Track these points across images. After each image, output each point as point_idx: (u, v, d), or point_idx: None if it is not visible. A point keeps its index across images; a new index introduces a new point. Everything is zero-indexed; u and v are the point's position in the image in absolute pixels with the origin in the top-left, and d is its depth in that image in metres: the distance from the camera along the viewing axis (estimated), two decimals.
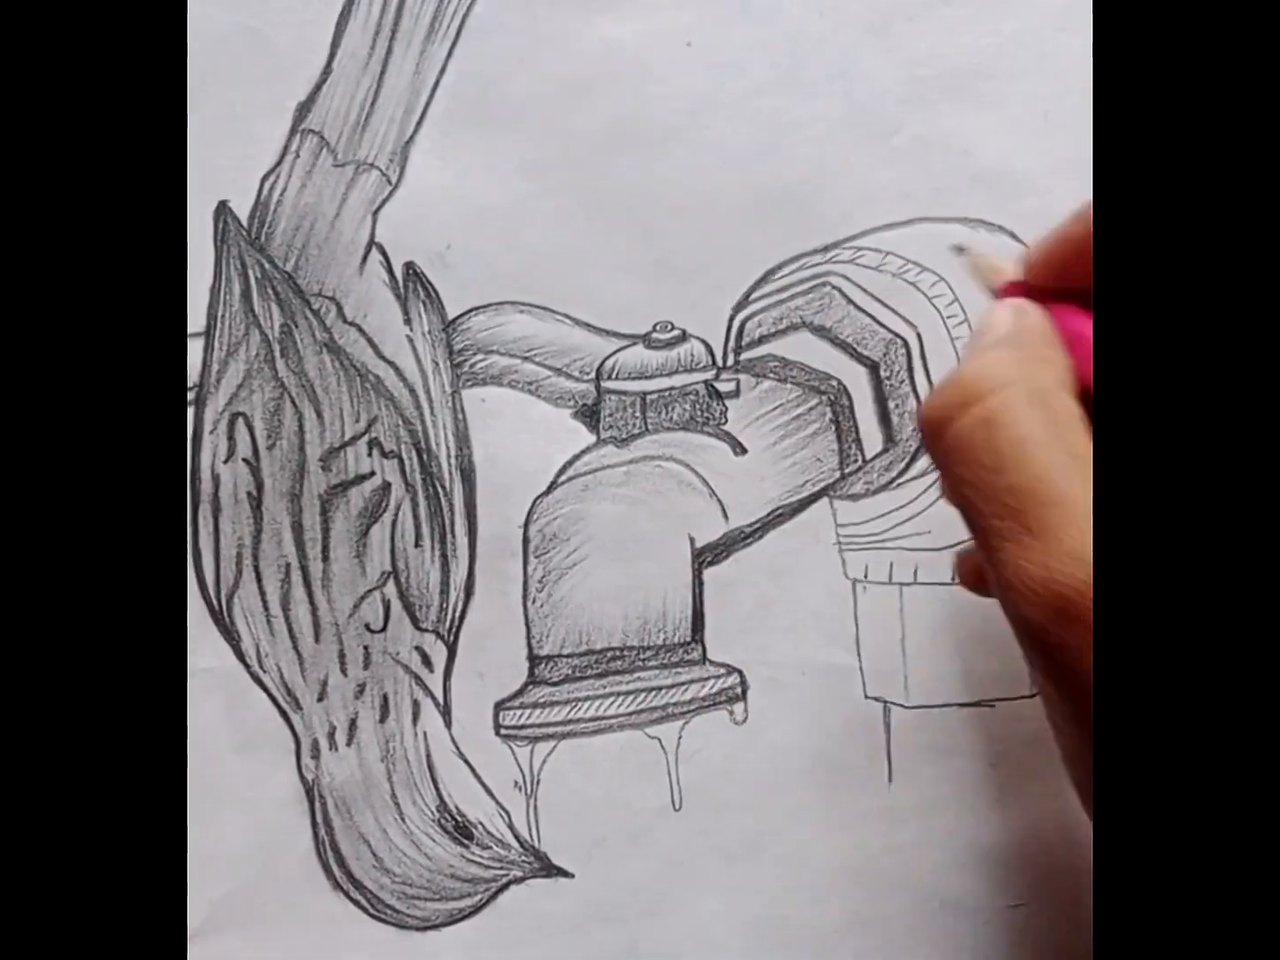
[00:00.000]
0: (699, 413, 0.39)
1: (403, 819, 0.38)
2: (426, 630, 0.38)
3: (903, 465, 0.38)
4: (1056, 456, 0.28)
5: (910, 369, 0.38)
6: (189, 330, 0.38)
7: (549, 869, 0.38)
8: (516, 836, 0.38)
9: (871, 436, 0.38)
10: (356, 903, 0.38)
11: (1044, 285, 0.30)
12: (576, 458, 0.38)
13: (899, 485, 0.38)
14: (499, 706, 0.38)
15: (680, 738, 0.38)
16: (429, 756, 0.38)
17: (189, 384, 0.38)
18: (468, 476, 0.38)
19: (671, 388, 0.38)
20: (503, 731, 0.38)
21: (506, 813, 0.38)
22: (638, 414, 0.39)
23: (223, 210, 0.39)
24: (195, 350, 0.39)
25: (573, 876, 0.38)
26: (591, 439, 0.39)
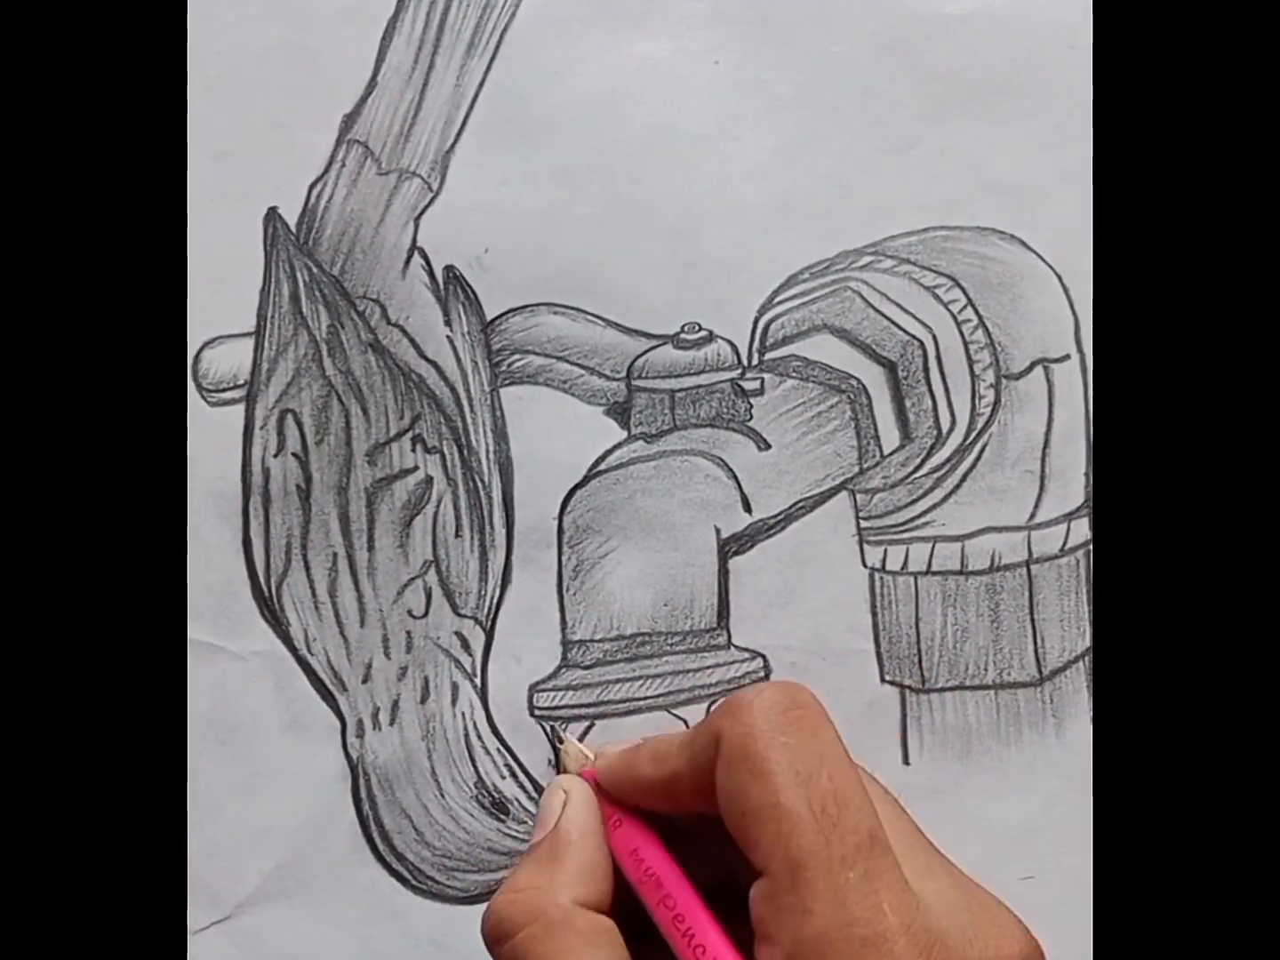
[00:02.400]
0: (725, 410, 0.40)
1: (442, 795, 0.40)
2: (465, 616, 0.40)
3: (918, 460, 0.40)
4: None
5: (926, 369, 0.40)
6: (239, 330, 0.40)
7: None
8: None
9: (889, 433, 0.40)
10: (398, 875, 0.40)
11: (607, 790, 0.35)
12: (608, 453, 0.40)
13: (914, 479, 0.40)
14: (534, 689, 0.40)
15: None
16: (467, 736, 0.40)
17: (239, 381, 0.40)
18: (505, 470, 0.40)
19: (699, 386, 0.40)
20: (537, 712, 0.40)
21: (541, 790, 0.40)
22: (667, 411, 0.40)
23: (272, 216, 0.40)
24: (245, 349, 0.40)
25: None
26: (622, 435, 0.40)
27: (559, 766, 0.38)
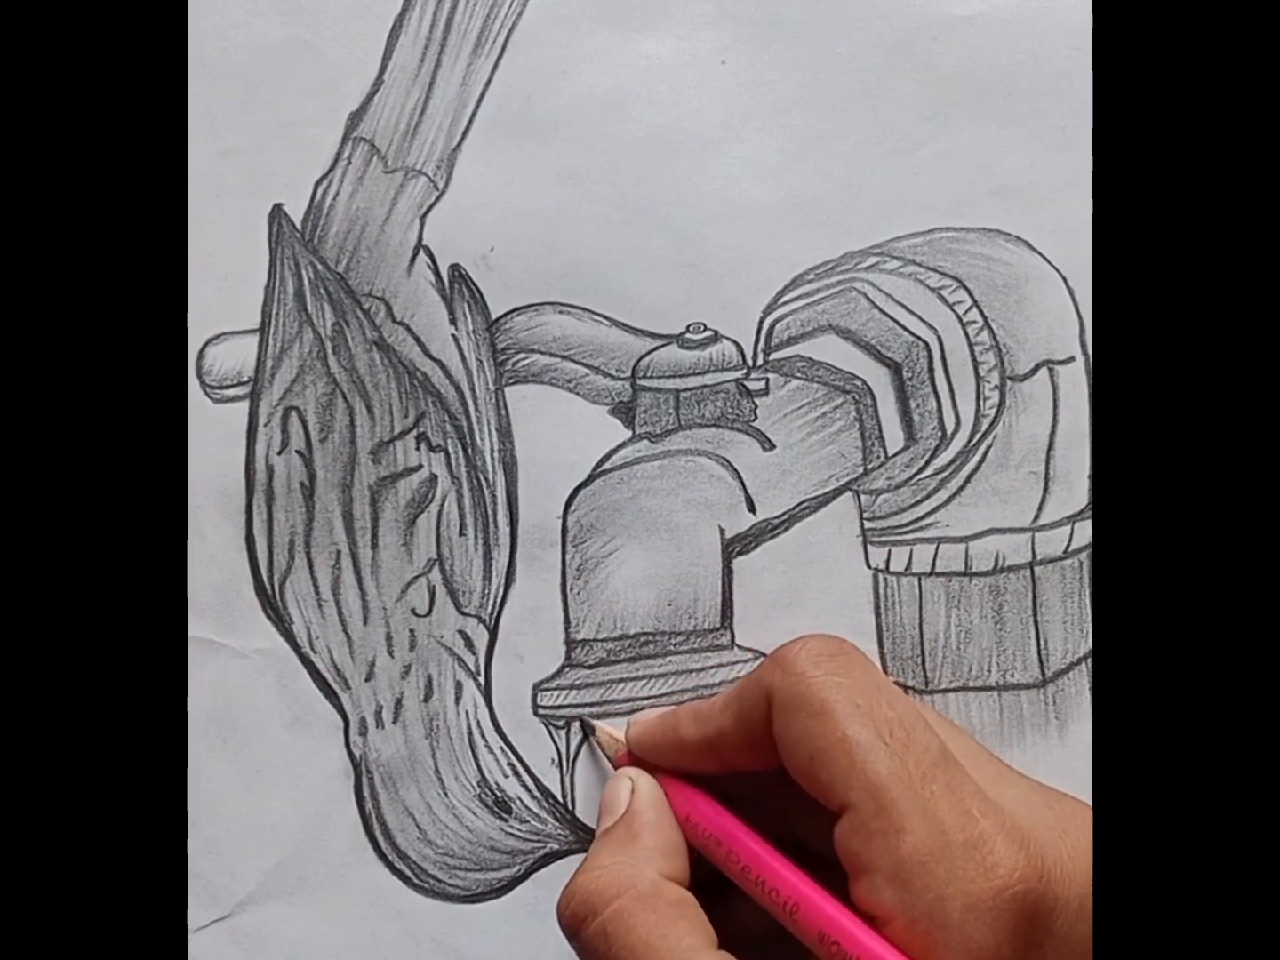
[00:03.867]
0: (730, 410, 0.40)
1: (445, 794, 0.40)
2: (469, 615, 0.40)
3: (923, 462, 0.40)
4: (669, 955, 0.31)
5: (931, 370, 0.40)
6: (244, 327, 0.40)
7: (584, 843, 0.40)
8: (553, 811, 0.40)
9: (893, 434, 0.40)
10: (401, 873, 0.40)
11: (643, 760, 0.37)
12: (613, 452, 0.40)
13: (919, 480, 0.40)
14: (537, 688, 0.40)
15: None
16: (470, 734, 0.40)
17: (244, 378, 0.40)
18: (510, 469, 0.40)
19: (704, 386, 0.40)
20: (540, 711, 0.40)
21: (544, 789, 0.40)
22: (671, 410, 0.40)
23: (277, 213, 0.40)
24: (250, 346, 0.40)
25: None
26: (627, 434, 0.40)
27: (600, 752, 0.39)
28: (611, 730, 0.38)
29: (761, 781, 0.35)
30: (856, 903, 0.31)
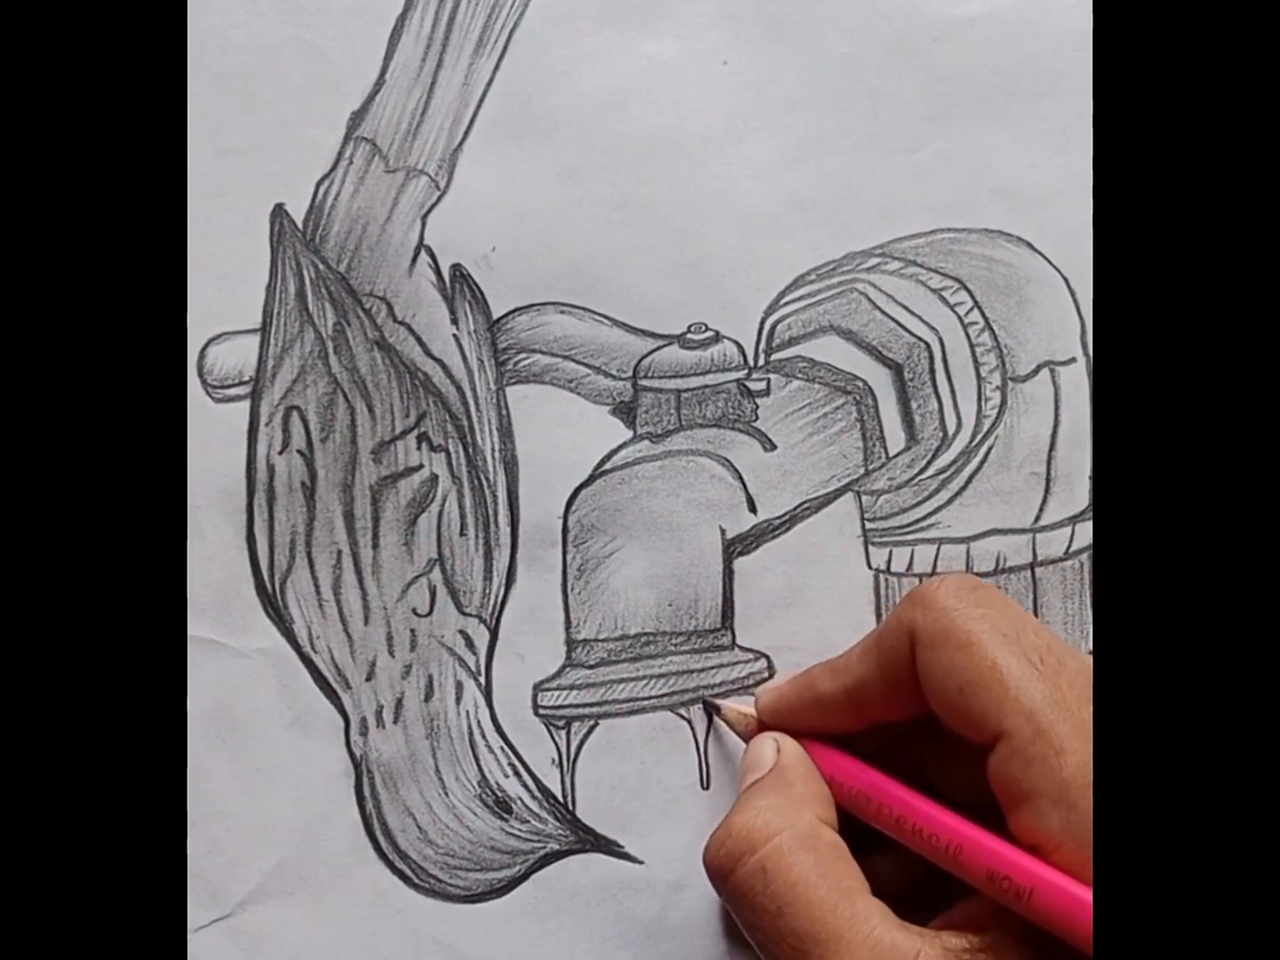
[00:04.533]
0: (731, 410, 0.40)
1: (446, 794, 0.40)
2: (470, 615, 0.40)
3: (924, 463, 0.40)
4: (829, 895, 0.31)
5: (932, 371, 0.40)
6: (245, 327, 0.40)
7: (584, 843, 0.40)
8: (553, 811, 0.40)
9: (894, 435, 0.40)
10: (401, 873, 0.40)
11: (775, 726, 0.37)
12: (614, 452, 0.40)
13: (920, 481, 0.40)
14: (538, 688, 0.40)
15: (710, 719, 0.40)
16: (471, 734, 0.40)
17: (245, 378, 0.40)
18: (511, 469, 0.40)
19: (705, 386, 0.40)
20: (541, 711, 0.40)
21: (544, 789, 0.40)
22: (672, 411, 0.40)
23: (279, 213, 0.40)
24: (251, 346, 0.40)
25: (606, 850, 0.40)
26: (628, 434, 0.40)
27: (731, 728, 0.39)
28: (739, 706, 0.38)
29: (892, 738, 0.35)
30: (1017, 834, 0.31)
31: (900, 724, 0.35)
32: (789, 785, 0.35)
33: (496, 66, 0.40)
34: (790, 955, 0.31)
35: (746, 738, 0.38)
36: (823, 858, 0.32)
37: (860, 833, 0.35)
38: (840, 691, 0.35)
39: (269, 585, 0.40)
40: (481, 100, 0.40)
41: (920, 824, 0.33)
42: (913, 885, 0.34)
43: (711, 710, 0.39)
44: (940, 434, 0.40)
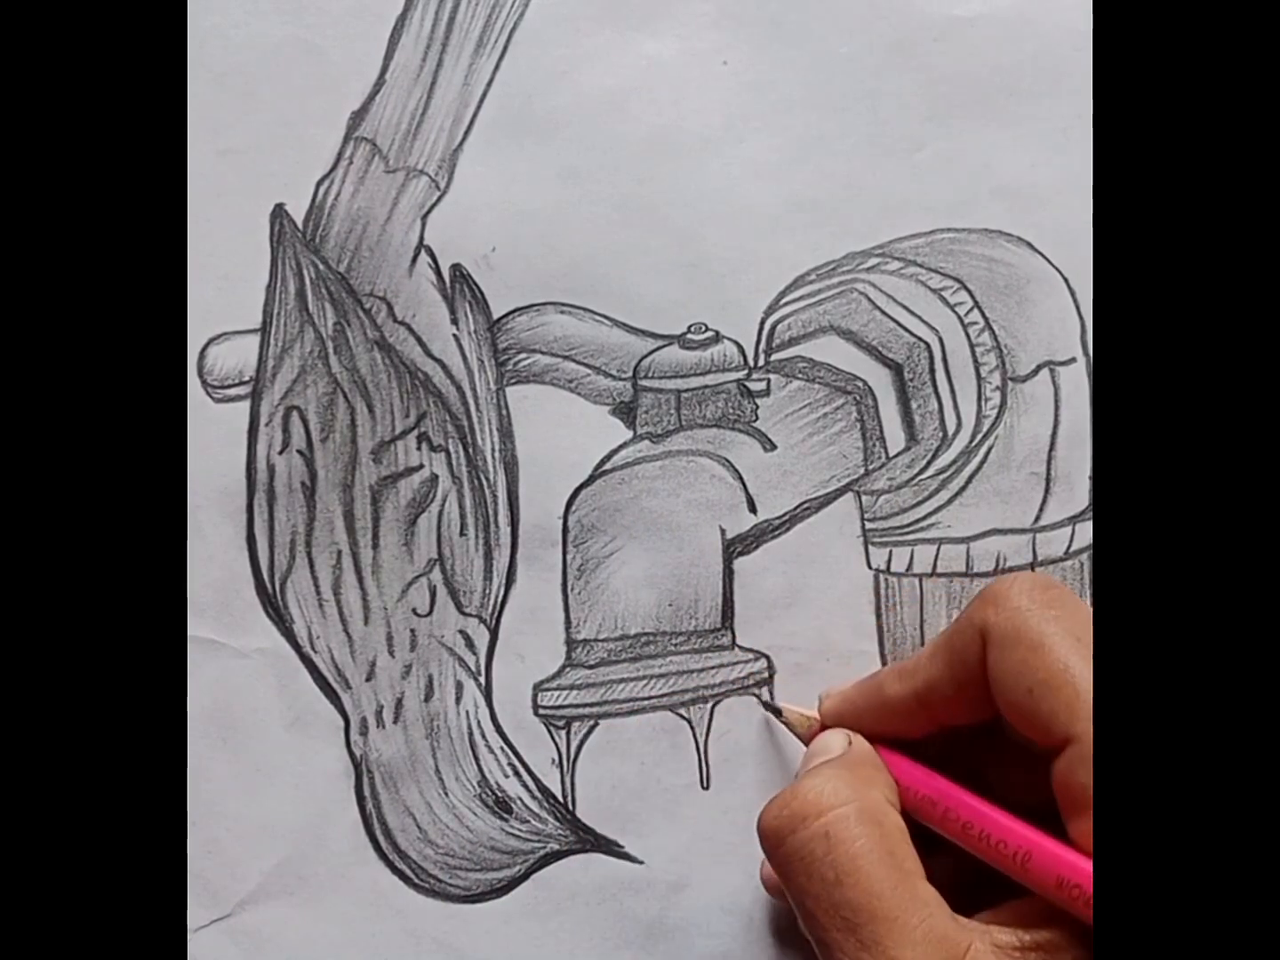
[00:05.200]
0: (731, 410, 0.40)
1: (446, 794, 0.40)
2: (470, 615, 0.40)
3: (924, 463, 0.40)
4: (890, 873, 0.30)
5: (932, 371, 0.40)
6: (245, 327, 0.40)
7: (584, 843, 0.40)
8: (553, 811, 0.40)
9: (894, 435, 0.40)
10: (401, 873, 0.40)
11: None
12: (614, 452, 0.40)
13: (920, 481, 0.40)
14: (538, 688, 0.40)
15: (710, 719, 0.40)
16: (471, 735, 0.40)
17: (245, 378, 0.40)
18: (511, 469, 0.40)
19: (705, 386, 0.40)
20: (541, 711, 0.40)
21: (544, 789, 0.40)
22: (672, 411, 0.40)
23: (279, 213, 0.40)
24: (251, 346, 0.40)
25: (606, 850, 0.40)
26: (628, 434, 0.40)
27: (792, 730, 0.38)
28: (801, 709, 0.38)
29: (953, 740, 0.35)
30: (1078, 841, 0.31)
31: (964, 728, 0.35)
32: (859, 766, 0.34)
33: (496, 66, 0.40)
34: (841, 927, 0.30)
35: (807, 740, 0.38)
36: (888, 835, 0.31)
37: (916, 836, 0.34)
38: (909, 694, 0.35)
39: (269, 585, 0.40)
40: (482, 100, 0.40)
41: (988, 830, 0.33)
42: (961, 889, 0.33)
43: (772, 712, 0.39)
44: (940, 434, 0.40)
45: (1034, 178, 0.39)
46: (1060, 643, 0.31)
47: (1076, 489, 0.39)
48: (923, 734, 0.35)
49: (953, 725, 0.35)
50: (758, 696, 0.39)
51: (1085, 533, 0.39)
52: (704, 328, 0.40)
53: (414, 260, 0.40)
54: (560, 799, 0.40)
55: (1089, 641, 0.32)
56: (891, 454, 0.40)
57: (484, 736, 0.40)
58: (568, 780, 0.40)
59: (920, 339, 0.40)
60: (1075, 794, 0.31)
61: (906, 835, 0.32)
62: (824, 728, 0.37)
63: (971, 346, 0.40)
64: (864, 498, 0.40)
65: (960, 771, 0.35)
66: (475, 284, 0.40)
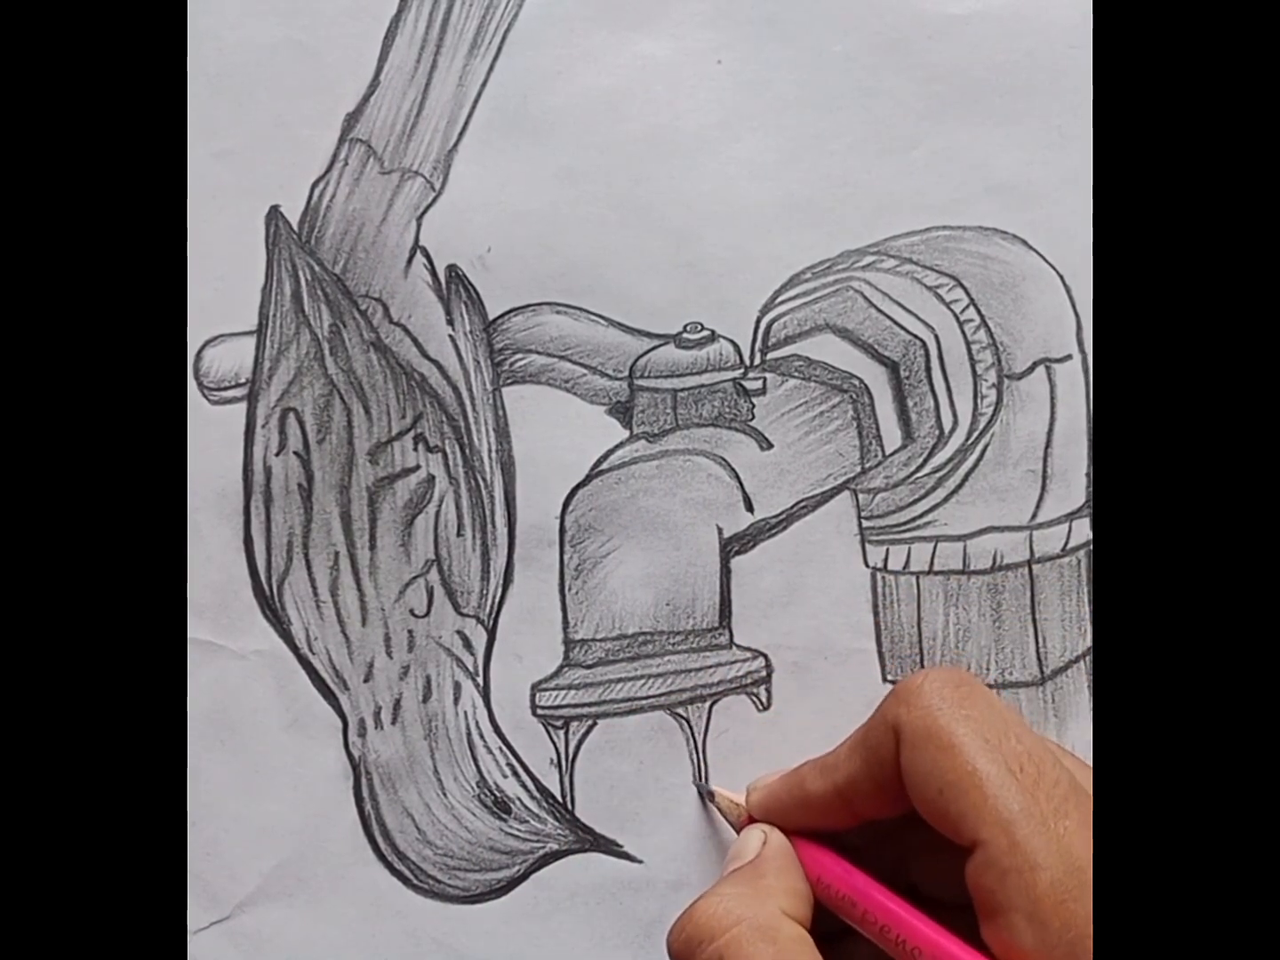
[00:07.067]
0: (727, 409, 0.40)
1: (444, 794, 0.40)
2: (467, 615, 0.40)
3: (920, 460, 0.40)
4: None
5: (928, 369, 0.40)
6: (241, 329, 0.40)
7: (583, 842, 0.40)
8: (552, 811, 0.40)
9: (891, 433, 0.40)
10: (400, 874, 0.40)
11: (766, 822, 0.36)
12: (610, 452, 0.40)
13: (916, 479, 0.40)
14: (536, 688, 0.40)
15: (708, 718, 0.40)
16: (469, 735, 0.40)
17: (241, 380, 0.40)
18: (507, 470, 0.40)
19: (701, 385, 0.40)
20: (539, 711, 0.40)
21: (543, 789, 0.40)
22: (669, 410, 0.40)
23: (274, 214, 0.40)
24: (247, 348, 0.40)
25: (605, 850, 0.40)
26: (625, 434, 0.40)
27: (720, 818, 0.39)
28: (732, 795, 0.38)
29: (878, 830, 0.35)
30: (991, 945, 0.31)
31: (887, 820, 0.35)
32: (761, 876, 0.34)
33: (491, 67, 0.40)
34: None
35: (738, 828, 0.38)
36: (782, 950, 0.31)
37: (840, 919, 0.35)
38: (830, 789, 0.35)
39: (267, 587, 0.40)
40: (476, 101, 0.40)
41: (904, 934, 0.32)
42: None
43: (705, 796, 0.39)
44: (936, 431, 0.40)
45: (1029, 175, 0.39)
46: (970, 744, 0.31)
47: (1073, 486, 0.39)
48: (845, 827, 0.35)
49: (874, 819, 0.34)
50: (697, 786, 0.39)
51: (1082, 529, 0.39)
52: (700, 327, 0.40)
53: (409, 261, 0.40)
54: (559, 799, 0.40)
55: (998, 743, 0.31)
56: (888, 452, 0.40)
57: (482, 737, 0.40)
58: (566, 780, 0.40)
59: (916, 337, 0.40)
60: (985, 898, 0.30)
61: (805, 945, 0.32)
62: (751, 819, 0.37)
63: (967, 344, 0.40)
64: (860, 496, 0.40)
65: (884, 863, 0.35)
66: (471, 284, 0.40)
